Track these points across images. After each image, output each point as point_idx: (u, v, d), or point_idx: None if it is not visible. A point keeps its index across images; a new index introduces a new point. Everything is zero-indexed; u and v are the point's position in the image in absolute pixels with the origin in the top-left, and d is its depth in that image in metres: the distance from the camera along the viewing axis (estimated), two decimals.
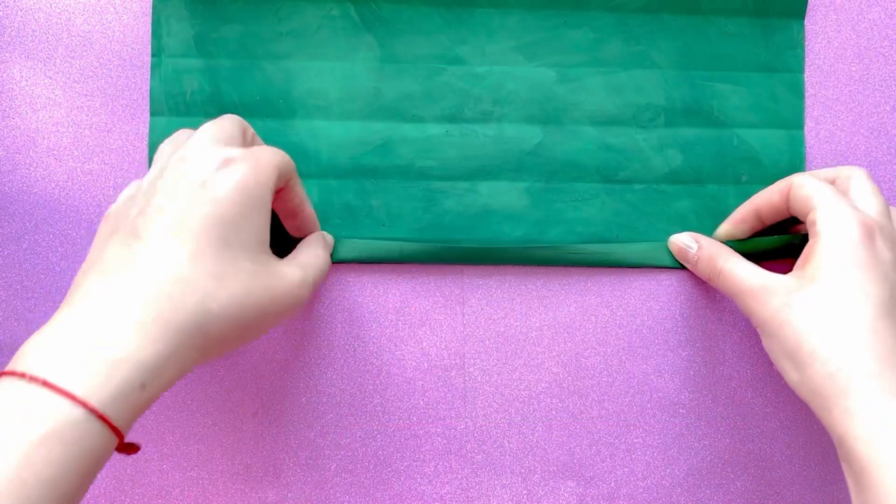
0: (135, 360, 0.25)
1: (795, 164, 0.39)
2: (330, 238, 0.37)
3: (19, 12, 0.39)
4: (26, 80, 0.38)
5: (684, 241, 0.37)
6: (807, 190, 0.33)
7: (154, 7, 0.38)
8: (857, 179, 0.33)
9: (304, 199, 0.34)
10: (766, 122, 0.39)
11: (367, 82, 0.38)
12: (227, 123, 0.31)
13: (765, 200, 0.36)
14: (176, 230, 0.27)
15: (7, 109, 0.38)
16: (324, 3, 0.38)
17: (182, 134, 0.32)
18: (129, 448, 0.26)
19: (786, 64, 0.39)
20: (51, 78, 0.38)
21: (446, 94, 0.39)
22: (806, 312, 0.30)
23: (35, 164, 0.38)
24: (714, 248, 0.35)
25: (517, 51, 0.39)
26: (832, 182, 0.34)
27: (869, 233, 0.30)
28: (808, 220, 0.33)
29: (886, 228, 0.31)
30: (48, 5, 0.39)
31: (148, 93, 0.39)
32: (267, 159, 0.29)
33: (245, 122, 0.32)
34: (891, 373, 0.28)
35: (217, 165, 0.28)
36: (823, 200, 0.32)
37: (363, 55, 0.39)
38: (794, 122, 0.39)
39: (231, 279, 0.27)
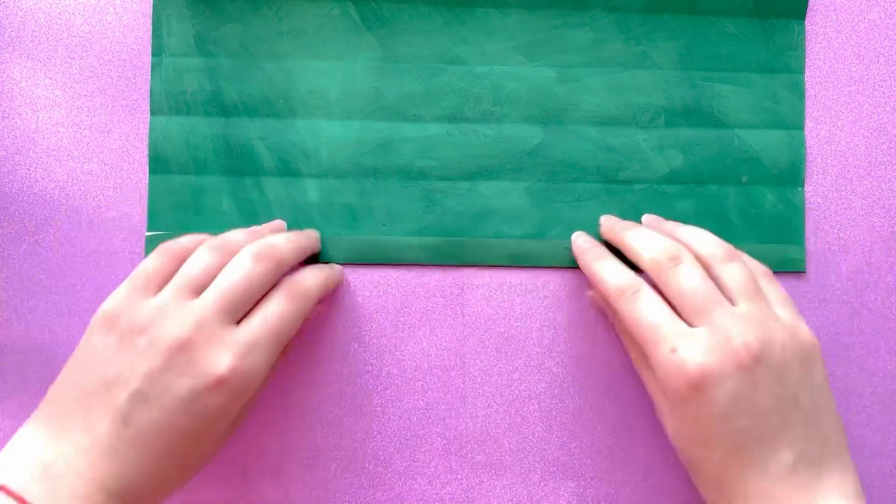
0: None
1: (796, 164, 0.39)
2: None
3: (19, 12, 0.39)
4: (26, 80, 0.38)
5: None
6: (633, 327, 0.32)
7: (155, 6, 0.38)
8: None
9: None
10: (767, 123, 0.39)
11: (368, 82, 0.38)
12: (241, 286, 0.31)
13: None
14: (150, 435, 0.29)
15: (7, 109, 0.38)
16: (324, 3, 0.39)
17: (198, 260, 0.32)
18: None
19: (786, 64, 0.39)
20: (51, 78, 0.38)
21: (446, 93, 0.39)
22: (679, 440, 0.32)
23: (35, 164, 0.38)
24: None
25: (517, 51, 0.39)
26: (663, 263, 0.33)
27: (694, 385, 0.30)
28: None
29: (713, 369, 0.30)
30: (48, 5, 0.39)
31: (148, 93, 0.39)
32: (256, 376, 0.31)
33: (273, 266, 0.32)
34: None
35: (209, 382, 0.29)
36: (649, 348, 0.31)
37: (363, 55, 0.39)
38: (794, 122, 0.39)
39: (192, 466, 0.31)
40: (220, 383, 0.29)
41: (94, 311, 0.38)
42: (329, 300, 0.38)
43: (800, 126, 0.39)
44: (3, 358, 0.37)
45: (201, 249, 0.33)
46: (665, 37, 0.39)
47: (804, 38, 0.40)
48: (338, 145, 0.38)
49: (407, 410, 0.38)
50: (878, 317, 0.39)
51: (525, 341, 0.38)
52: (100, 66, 0.39)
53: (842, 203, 0.40)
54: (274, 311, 0.32)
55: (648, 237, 0.34)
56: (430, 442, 0.38)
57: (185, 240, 0.34)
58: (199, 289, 0.31)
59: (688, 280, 0.31)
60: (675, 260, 0.32)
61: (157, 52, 0.38)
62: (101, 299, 0.38)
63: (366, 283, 0.38)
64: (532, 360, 0.38)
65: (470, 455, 0.38)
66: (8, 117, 0.38)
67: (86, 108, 0.38)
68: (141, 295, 0.31)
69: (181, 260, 0.33)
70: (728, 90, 0.39)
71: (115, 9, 0.39)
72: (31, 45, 0.39)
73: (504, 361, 0.38)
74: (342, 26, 0.39)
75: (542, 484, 0.38)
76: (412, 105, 0.38)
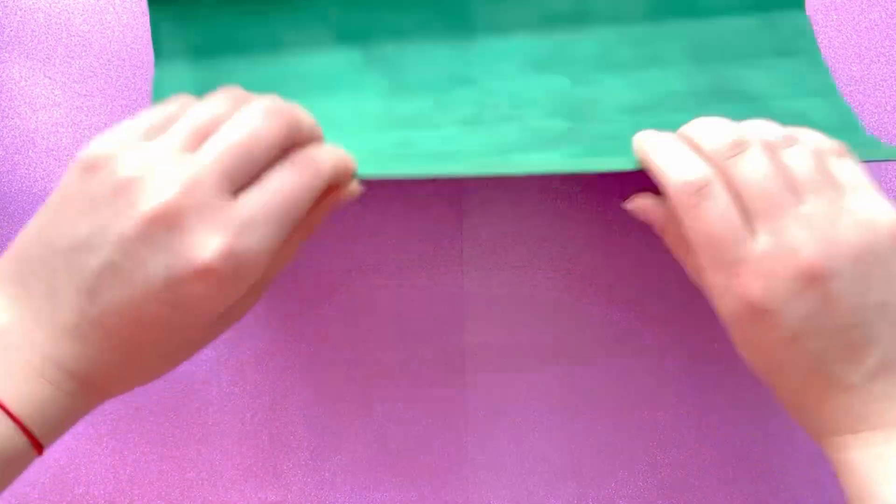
0: (69, 404, 0.25)
1: (846, 122, 0.37)
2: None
3: (19, 12, 0.39)
4: (26, 80, 0.38)
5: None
6: (690, 235, 0.28)
7: (157, 68, 0.36)
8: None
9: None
10: (800, 94, 0.38)
11: (378, 104, 0.38)
12: (246, 144, 0.25)
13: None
14: (118, 315, 0.24)
15: (7, 109, 0.38)
16: (325, 49, 0.38)
17: (199, 113, 0.26)
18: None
19: (799, 47, 0.39)
20: (51, 78, 0.38)
21: (461, 104, 0.38)
22: (752, 362, 0.28)
23: (35, 164, 0.38)
24: None
25: (527, 66, 0.38)
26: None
27: (758, 313, 0.26)
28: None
29: (779, 290, 0.26)
30: (48, 5, 0.39)
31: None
32: (253, 263, 0.25)
33: (283, 130, 0.26)
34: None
35: (191, 267, 0.24)
36: (706, 268, 0.27)
37: (372, 86, 0.38)
38: (827, 91, 0.38)
39: (167, 358, 0.26)
40: (204, 271, 0.24)
41: None
42: (329, 300, 0.38)
43: (834, 93, 0.37)
44: None
45: (216, 96, 0.27)
46: (673, 39, 0.39)
47: (810, 24, 0.39)
48: (352, 151, 0.38)
49: (408, 412, 0.38)
50: None
51: (528, 346, 0.38)
52: (100, 66, 0.39)
53: None
54: (278, 183, 0.25)
55: (710, 124, 0.28)
56: (430, 442, 0.38)
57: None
58: (202, 140, 0.25)
59: (751, 172, 0.26)
60: (739, 146, 0.27)
61: (157, 95, 0.37)
62: None
63: (362, 285, 0.38)
64: (534, 359, 0.38)
65: (470, 455, 0.38)
66: (8, 117, 0.38)
67: (86, 108, 0.38)
68: (138, 139, 0.25)
69: None
70: (750, 73, 0.38)
71: (114, 9, 0.39)
72: (31, 45, 0.39)
73: (505, 359, 0.38)
74: (347, 67, 0.38)
75: (542, 485, 0.38)
76: (427, 117, 0.38)
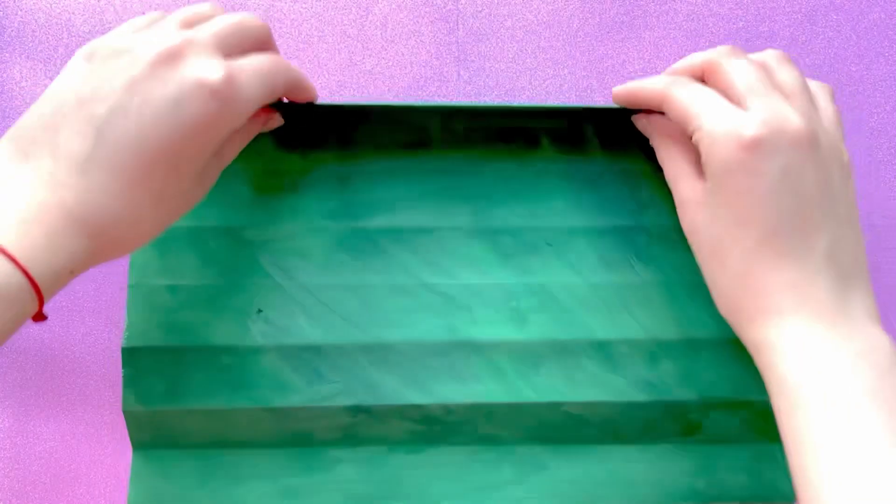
0: (70, 249, 0.26)
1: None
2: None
3: (19, 12, 0.39)
4: (26, 80, 0.38)
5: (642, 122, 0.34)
6: (680, 105, 0.30)
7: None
8: (731, 72, 0.30)
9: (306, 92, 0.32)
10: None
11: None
12: (235, 27, 0.29)
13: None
14: (127, 151, 0.26)
15: (7, 109, 0.38)
16: None
17: (185, 15, 0.29)
18: (41, 316, 0.26)
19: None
20: (51, 78, 0.38)
21: None
22: (710, 226, 0.30)
23: None
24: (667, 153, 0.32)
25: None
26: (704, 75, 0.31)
27: (749, 146, 0.28)
28: (692, 136, 0.30)
29: (769, 137, 0.28)
30: (48, 5, 0.39)
31: None
32: (246, 100, 0.27)
33: (264, 30, 0.30)
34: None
35: (196, 85, 0.26)
36: (700, 118, 0.29)
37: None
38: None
39: (166, 203, 0.28)
40: (209, 85, 0.26)
41: (94, 311, 0.38)
42: None
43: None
44: (2, 358, 0.37)
45: (202, 3, 0.31)
46: None
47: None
48: None
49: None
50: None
51: None
52: None
53: None
54: (263, 57, 0.29)
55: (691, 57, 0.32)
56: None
57: None
58: (192, 25, 0.29)
59: (742, 68, 0.30)
60: (733, 53, 0.30)
61: None
62: (102, 298, 0.38)
63: None
64: None
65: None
66: (8, 117, 0.38)
67: None
68: (133, 31, 0.28)
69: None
70: None
71: (114, 9, 0.39)
72: (31, 45, 0.39)
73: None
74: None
75: None
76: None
